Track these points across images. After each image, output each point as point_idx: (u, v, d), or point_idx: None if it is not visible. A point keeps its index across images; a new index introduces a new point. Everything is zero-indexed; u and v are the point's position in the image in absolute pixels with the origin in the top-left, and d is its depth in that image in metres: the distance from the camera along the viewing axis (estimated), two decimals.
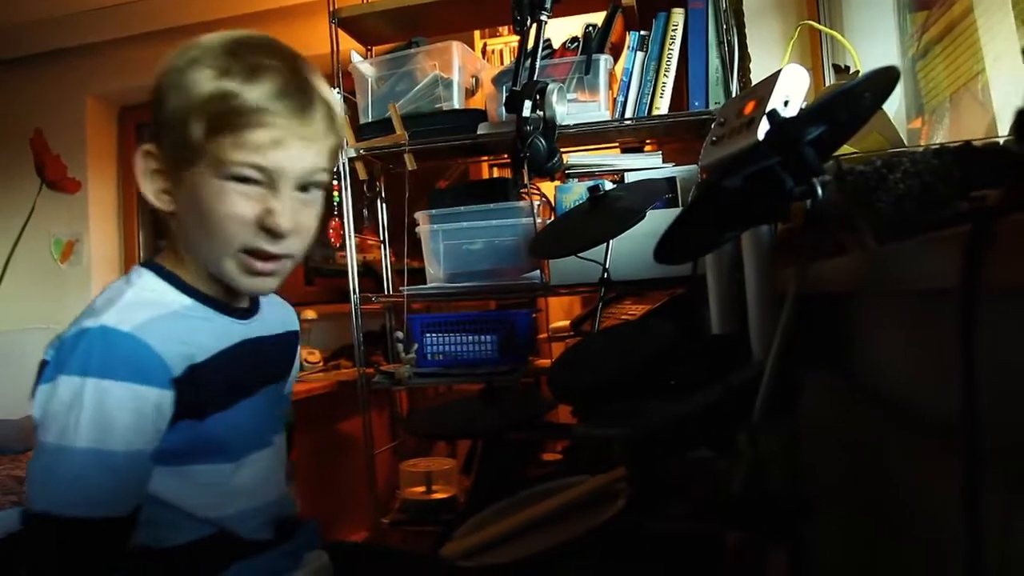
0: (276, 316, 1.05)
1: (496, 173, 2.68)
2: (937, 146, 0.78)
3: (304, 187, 0.88)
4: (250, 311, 0.98)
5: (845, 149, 0.98)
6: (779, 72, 0.97)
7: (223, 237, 0.85)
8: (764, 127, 0.92)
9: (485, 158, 2.50)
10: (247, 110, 0.81)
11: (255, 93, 0.82)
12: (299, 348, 1.14)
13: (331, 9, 2.04)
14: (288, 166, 0.84)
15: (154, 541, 0.85)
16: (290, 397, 1.14)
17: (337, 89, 1.98)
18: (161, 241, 0.93)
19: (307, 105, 0.85)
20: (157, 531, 0.85)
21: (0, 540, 2.16)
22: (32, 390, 0.80)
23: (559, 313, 2.55)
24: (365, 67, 2.02)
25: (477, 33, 2.79)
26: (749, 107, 1.00)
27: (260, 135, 0.82)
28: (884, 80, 0.74)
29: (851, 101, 0.74)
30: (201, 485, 0.88)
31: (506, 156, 2.25)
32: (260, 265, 0.87)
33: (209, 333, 0.90)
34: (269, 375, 1.00)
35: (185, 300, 0.89)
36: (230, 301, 0.94)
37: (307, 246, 0.92)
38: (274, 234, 0.85)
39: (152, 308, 0.84)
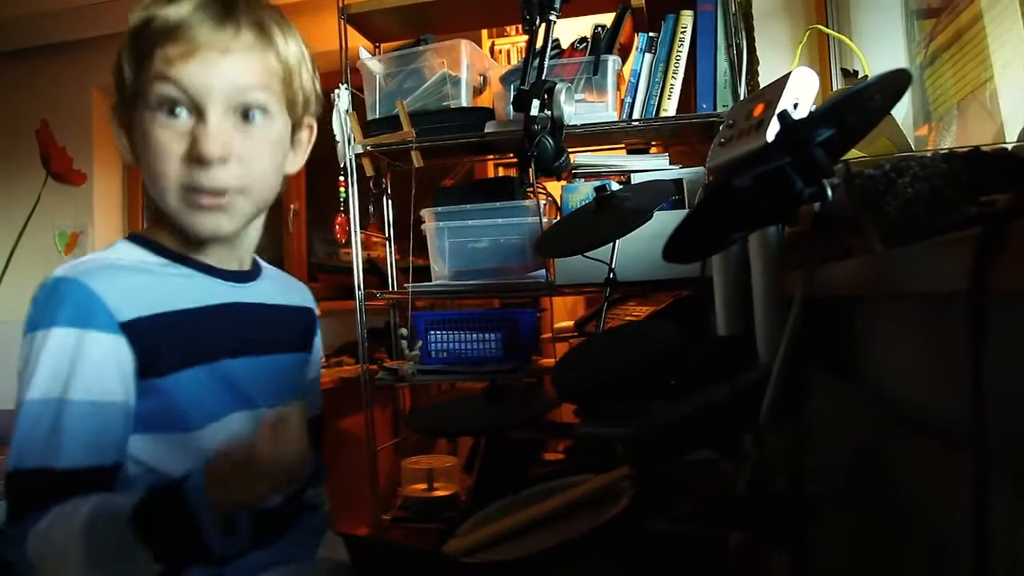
0: (279, 288, 1.03)
1: (501, 172, 2.69)
2: (946, 151, 0.78)
3: (243, 112, 0.84)
4: (247, 276, 0.97)
5: (853, 153, 0.98)
6: (789, 75, 0.97)
7: (160, 173, 0.82)
8: (773, 129, 0.92)
9: (491, 157, 2.51)
10: (164, 28, 0.80)
11: (172, 11, 0.80)
12: (317, 331, 1.11)
13: (340, 5, 2.04)
14: (206, 82, 0.80)
15: None
16: (315, 385, 1.12)
17: (345, 85, 1.98)
18: None
19: (227, 16, 0.82)
20: None
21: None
22: None
23: (562, 313, 2.56)
24: (373, 64, 2.02)
25: (485, 33, 2.80)
26: (758, 109, 1.00)
27: (174, 48, 0.79)
28: (894, 83, 0.74)
29: (861, 104, 0.74)
30: (181, 444, 0.85)
31: (512, 155, 2.26)
32: (203, 199, 0.83)
33: (179, 289, 0.88)
34: (262, 342, 0.96)
35: (160, 259, 0.88)
36: (218, 263, 0.92)
37: (262, 182, 0.88)
38: (202, 161, 0.80)
39: (107, 262, 0.84)
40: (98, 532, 0.71)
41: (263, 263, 1.04)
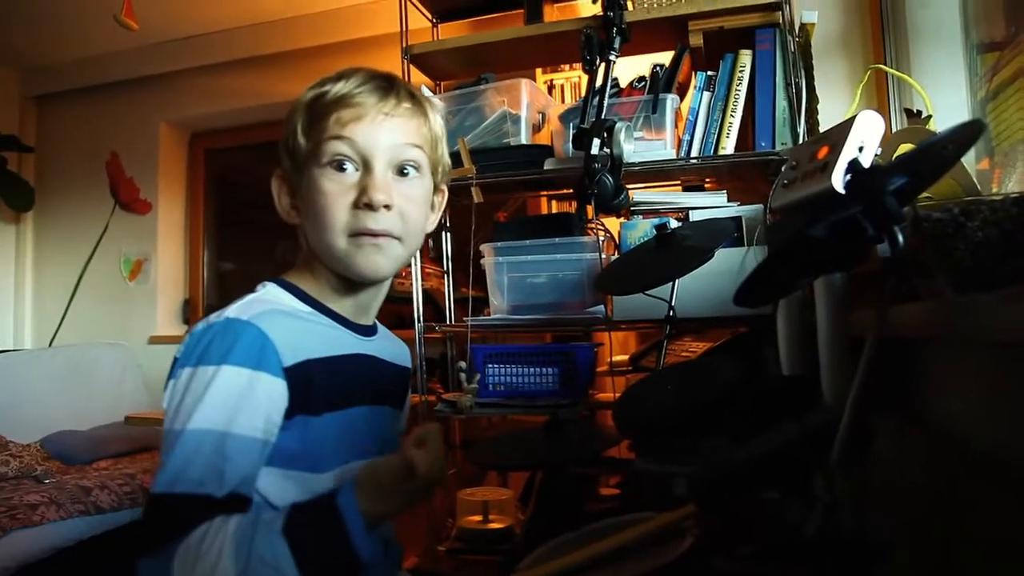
0: (390, 347, 1.12)
1: (555, 206, 2.71)
2: (1017, 194, 0.78)
3: (400, 169, 0.97)
4: (370, 331, 1.05)
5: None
6: (854, 119, 0.98)
7: (331, 220, 0.93)
8: (839, 172, 0.93)
9: (544, 192, 2.54)
10: (336, 98, 0.94)
11: (341, 85, 0.95)
12: (409, 389, 1.19)
13: (403, 46, 2.11)
14: (373, 140, 0.93)
15: None
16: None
17: None
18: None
19: (388, 89, 0.96)
20: None
21: (70, 548, 2.24)
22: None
23: (615, 347, 2.55)
24: (435, 102, 2.07)
25: (540, 68, 2.84)
26: (822, 152, 1.01)
27: (345, 113, 0.93)
28: (968, 134, 0.75)
29: (934, 155, 0.75)
30: (306, 484, 0.90)
31: (566, 190, 2.29)
32: (368, 239, 0.94)
33: (325, 337, 0.96)
34: (381, 394, 1.05)
35: (305, 307, 0.97)
36: (351, 317, 1.02)
37: (413, 233, 1.00)
38: (371, 207, 0.92)
39: (271, 306, 0.92)
40: (248, 543, 0.77)
41: (377, 321, 1.11)
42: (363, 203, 0.92)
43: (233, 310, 0.88)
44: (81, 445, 2.85)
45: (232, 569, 0.75)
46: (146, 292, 3.78)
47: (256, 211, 3.94)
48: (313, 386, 0.90)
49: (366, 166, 0.94)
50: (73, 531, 2.28)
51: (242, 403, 0.83)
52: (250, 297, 0.93)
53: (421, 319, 2.01)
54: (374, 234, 0.94)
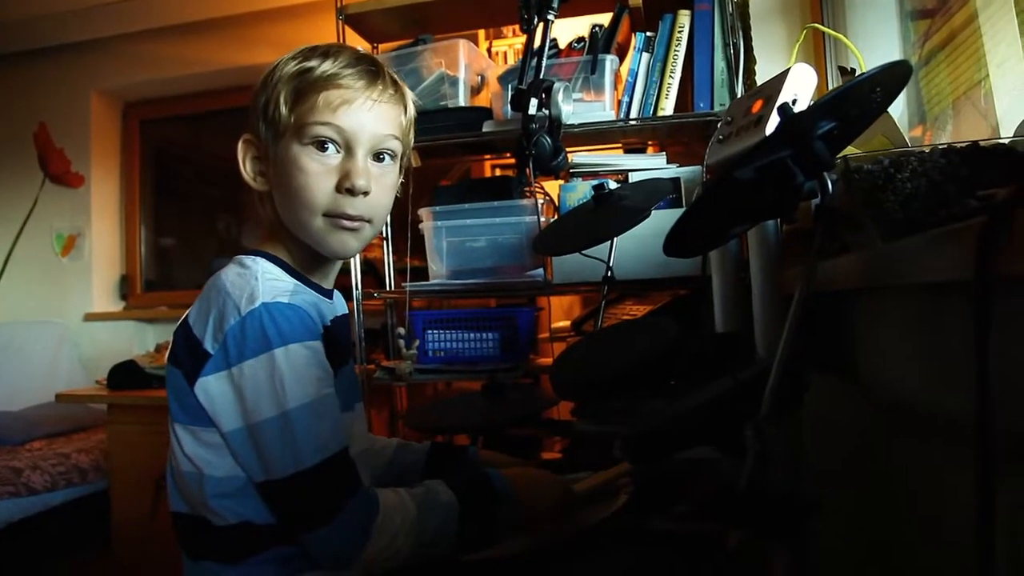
0: (342, 305, 1.15)
1: (498, 172, 2.68)
2: (945, 146, 0.78)
3: (377, 155, 0.97)
4: (331, 294, 1.09)
5: (851, 150, 0.98)
6: (788, 71, 0.98)
7: (311, 199, 0.94)
8: (772, 125, 0.92)
9: (488, 156, 2.51)
10: (323, 78, 0.93)
11: (329, 64, 0.94)
12: None
13: (338, 6, 2.04)
14: (359, 126, 0.94)
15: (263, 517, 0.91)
16: None
17: None
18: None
19: (375, 75, 0.96)
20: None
21: None
22: (185, 376, 0.90)
23: (559, 314, 2.55)
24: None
25: (482, 34, 2.80)
26: (757, 105, 1.00)
27: (333, 95, 0.93)
28: (895, 75, 0.74)
29: (862, 96, 0.75)
30: None
31: (509, 154, 2.26)
32: (345, 222, 0.96)
33: (322, 306, 1.00)
34: (349, 349, 1.13)
35: (295, 281, 0.98)
36: (323, 284, 1.05)
37: (382, 216, 1.01)
38: (352, 192, 0.94)
39: (284, 285, 0.94)
40: (426, 515, 0.89)
41: None
42: (345, 188, 0.94)
43: (263, 294, 0.88)
44: (13, 426, 2.78)
45: (413, 537, 0.87)
46: (80, 268, 3.65)
47: (196, 184, 3.83)
48: (331, 348, 0.95)
49: (348, 150, 0.95)
50: (2, 513, 2.23)
51: (318, 370, 0.89)
52: (261, 278, 0.92)
53: (359, 286, 1.96)
54: (351, 218, 0.95)
